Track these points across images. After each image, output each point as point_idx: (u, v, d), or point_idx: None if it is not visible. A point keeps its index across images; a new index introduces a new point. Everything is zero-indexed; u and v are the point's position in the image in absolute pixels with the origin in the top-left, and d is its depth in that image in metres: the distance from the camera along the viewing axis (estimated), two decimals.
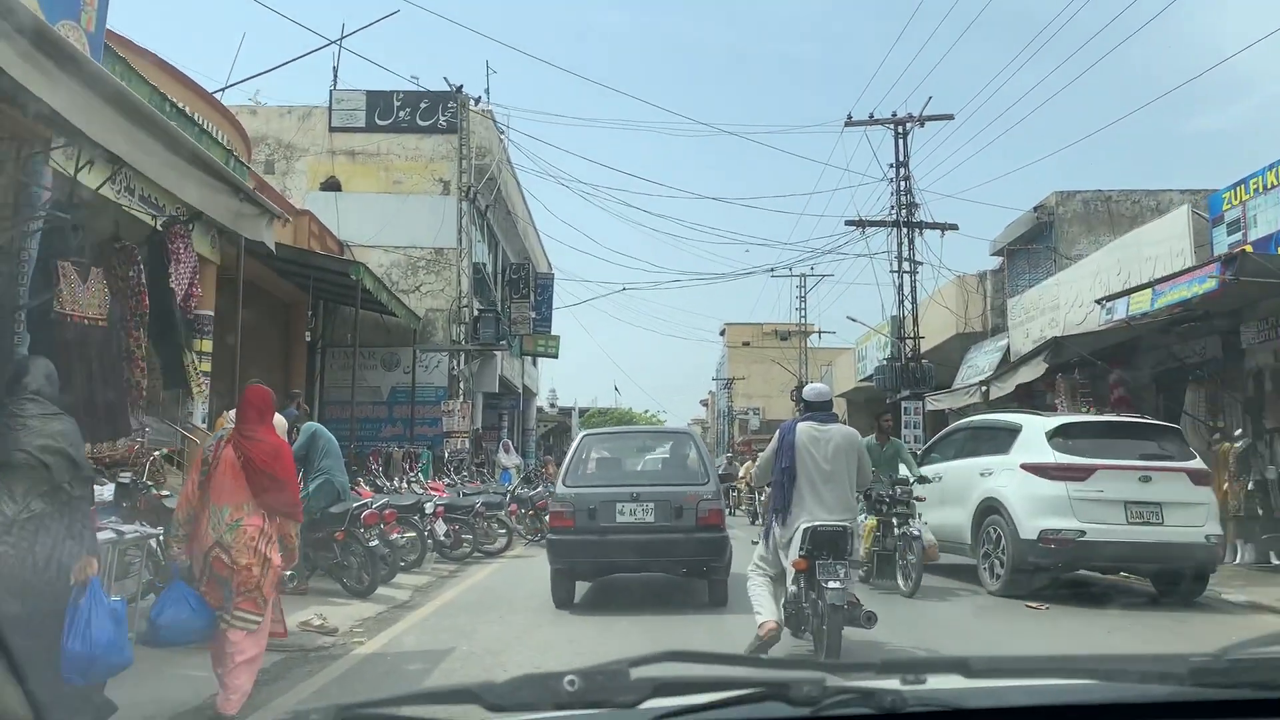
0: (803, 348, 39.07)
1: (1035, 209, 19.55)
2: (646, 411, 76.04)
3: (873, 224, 22.72)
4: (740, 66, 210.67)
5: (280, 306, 20.06)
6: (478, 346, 20.94)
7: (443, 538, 11.35)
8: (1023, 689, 1.34)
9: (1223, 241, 12.31)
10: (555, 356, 32.45)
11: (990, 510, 9.08)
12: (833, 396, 8.09)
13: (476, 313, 21.11)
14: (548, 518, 9.55)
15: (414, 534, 10.72)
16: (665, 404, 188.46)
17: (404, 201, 22.40)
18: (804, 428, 6.57)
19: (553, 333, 31.92)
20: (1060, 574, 9.18)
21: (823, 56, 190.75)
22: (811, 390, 7.16)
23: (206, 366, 13.69)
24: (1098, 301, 12.68)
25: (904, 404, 22.17)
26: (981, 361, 20.62)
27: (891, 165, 22.74)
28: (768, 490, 7.19)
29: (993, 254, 22.40)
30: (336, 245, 20.60)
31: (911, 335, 22.57)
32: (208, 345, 13.82)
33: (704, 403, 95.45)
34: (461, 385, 21.41)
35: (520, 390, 31.63)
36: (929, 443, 10.36)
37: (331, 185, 22.55)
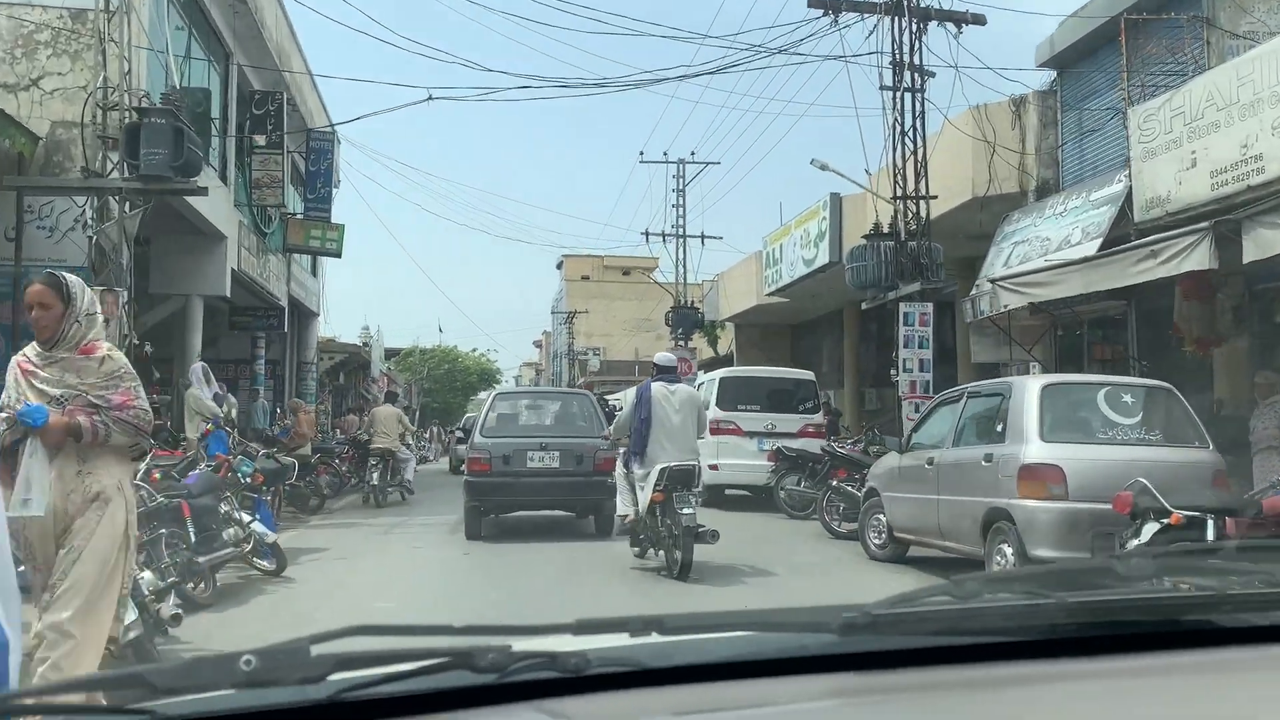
0: (681, 251, 29.79)
1: None
2: (475, 350, 65.93)
3: (855, 4, 13.65)
4: None
5: None
6: (137, 183, 10.66)
7: None
8: (694, 644, 1.27)
9: None
10: (337, 255, 22.19)
11: None
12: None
13: (135, 116, 10.77)
14: (465, 464, 11.24)
15: None
16: (497, 342, 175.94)
17: None
18: (657, 387, 8.53)
19: (334, 220, 21.69)
20: None
21: None
22: (662, 357, 9.21)
23: None
24: None
25: (902, 307, 13.41)
26: (1054, 231, 11.98)
27: None
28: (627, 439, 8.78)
29: (1042, 64, 13.75)
30: None
31: (914, 194, 13.73)
32: None
33: (537, 344, 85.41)
34: (112, 259, 11.13)
35: (284, 304, 21.05)
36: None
37: None
